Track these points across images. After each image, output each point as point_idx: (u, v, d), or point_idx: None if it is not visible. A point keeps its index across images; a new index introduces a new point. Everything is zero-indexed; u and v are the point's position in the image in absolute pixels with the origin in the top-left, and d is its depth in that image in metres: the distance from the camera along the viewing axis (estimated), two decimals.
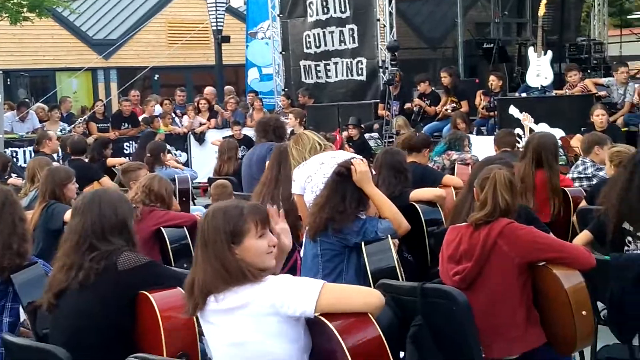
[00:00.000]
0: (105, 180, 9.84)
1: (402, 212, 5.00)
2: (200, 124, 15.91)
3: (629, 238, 4.75)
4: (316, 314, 3.00)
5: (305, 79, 16.43)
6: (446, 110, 13.08)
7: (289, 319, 3.02)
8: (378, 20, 14.93)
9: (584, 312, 4.03)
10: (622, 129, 11.19)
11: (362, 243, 4.62)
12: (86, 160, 10.84)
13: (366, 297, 3.12)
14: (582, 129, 10.60)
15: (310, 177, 5.32)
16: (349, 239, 4.68)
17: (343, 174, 4.77)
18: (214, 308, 3.09)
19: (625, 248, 4.77)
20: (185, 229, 6.12)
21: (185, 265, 5.87)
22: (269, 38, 18.22)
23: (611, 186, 5.17)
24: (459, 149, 8.66)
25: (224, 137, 14.08)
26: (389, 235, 4.66)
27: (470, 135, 10.91)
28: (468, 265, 4.21)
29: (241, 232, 3.14)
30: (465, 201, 4.81)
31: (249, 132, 14.70)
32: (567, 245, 4.35)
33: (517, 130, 10.99)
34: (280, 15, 17.20)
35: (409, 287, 4.21)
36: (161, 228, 6.04)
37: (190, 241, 6.02)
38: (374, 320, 3.02)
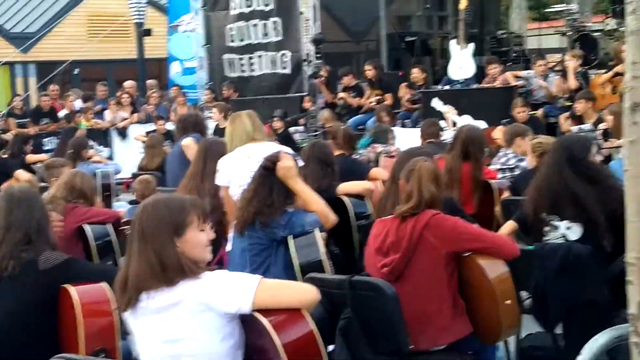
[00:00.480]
0: (20, 173, 9.55)
1: (330, 205, 4.99)
2: (123, 119, 15.65)
3: (546, 228, 4.83)
4: (252, 311, 2.98)
5: (229, 72, 16.29)
6: (371, 103, 13.13)
7: (224, 316, 3.00)
8: (302, 13, 14.88)
9: (508, 302, 4.10)
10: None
11: (290, 237, 4.59)
12: (5, 156, 10.56)
13: (302, 293, 3.14)
14: (503, 120, 10.79)
15: (236, 171, 5.29)
16: (276, 232, 4.65)
17: (269, 167, 4.74)
18: (148, 305, 3.04)
19: (544, 238, 4.85)
20: (109, 225, 6.00)
21: (109, 263, 5.79)
22: (191, 31, 18.03)
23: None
24: (384, 142, 8.72)
25: (147, 132, 13.91)
26: (316, 229, 4.64)
27: (394, 128, 11.00)
28: (395, 257, 4.23)
29: (184, 224, 3.11)
30: (389, 193, 4.80)
31: (173, 126, 14.55)
32: (491, 235, 4.42)
33: (441, 123, 11.10)
34: (203, 8, 17.01)
35: (337, 280, 4.22)
36: (84, 225, 5.91)
37: (114, 238, 5.92)
38: (307, 316, 3.02)
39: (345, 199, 5.92)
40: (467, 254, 4.18)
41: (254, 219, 4.67)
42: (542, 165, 5.14)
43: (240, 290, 2.99)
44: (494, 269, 4.12)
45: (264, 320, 2.93)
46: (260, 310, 2.97)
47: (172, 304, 2.99)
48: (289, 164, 4.70)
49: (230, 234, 4.98)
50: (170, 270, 3.01)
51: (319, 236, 4.60)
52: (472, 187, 6.56)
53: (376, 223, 4.51)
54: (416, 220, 4.22)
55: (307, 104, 14.18)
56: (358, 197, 6.07)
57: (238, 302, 2.98)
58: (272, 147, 5.44)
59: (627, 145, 1.97)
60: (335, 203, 5.70)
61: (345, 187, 6.06)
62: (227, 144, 5.63)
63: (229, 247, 5.02)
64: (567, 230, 4.76)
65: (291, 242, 4.56)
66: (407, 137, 10.45)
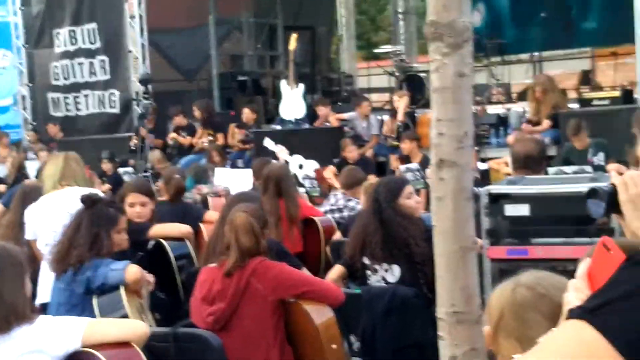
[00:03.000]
0: None
1: (142, 248, 4.87)
2: None
3: (368, 271, 4.91)
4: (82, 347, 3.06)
5: (54, 111, 15.75)
6: (202, 143, 13.01)
7: (56, 358, 3.02)
8: (130, 51, 14.63)
9: (334, 346, 4.17)
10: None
11: (94, 297, 4.38)
12: None
13: (131, 329, 3.25)
14: (334, 160, 10.95)
15: (41, 224, 5.12)
16: (83, 281, 4.45)
17: (87, 203, 4.56)
18: None
19: (368, 281, 4.92)
20: None
21: None
22: (3, 68, 17.39)
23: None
24: (206, 181, 8.63)
25: None
26: (122, 287, 4.45)
27: (223, 167, 10.93)
28: (222, 306, 4.18)
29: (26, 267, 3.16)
30: (218, 237, 4.72)
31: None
32: (317, 281, 4.47)
33: (273, 162, 11.13)
34: (26, 45, 16.40)
35: (161, 333, 4.08)
36: None
37: None
38: (138, 350, 3.11)
39: (164, 242, 5.75)
40: (293, 300, 4.19)
41: (69, 260, 4.47)
42: (362, 210, 5.24)
43: (69, 332, 3.05)
44: (320, 315, 4.17)
45: (98, 354, 3.02)
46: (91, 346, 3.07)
47: (10, 348, 2.97)
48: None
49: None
50: (20, 314, 3.01)
51: (124, 293, 4.41)
52: (291, 224, 6.55)
53: (203, 271, 4.42)
54: (242, 268, 4.17)
55: (135, 143, 13.81)
56: (177, 238, 5.91)
57: (67, 344, 3.03)
58: (77, 193, 5.20)
59: (434, 201, 1.98)
60: (156, 246, 5.63)
61: (161, 230, 5.87)
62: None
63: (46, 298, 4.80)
64: (385, 273, 4.85)
65: (95, 301, 4.37)
66: (239, 178, 10.38)
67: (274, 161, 7.47)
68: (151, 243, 5.69)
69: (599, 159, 9.07)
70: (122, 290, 4.41)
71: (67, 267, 4.48)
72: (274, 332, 4.15)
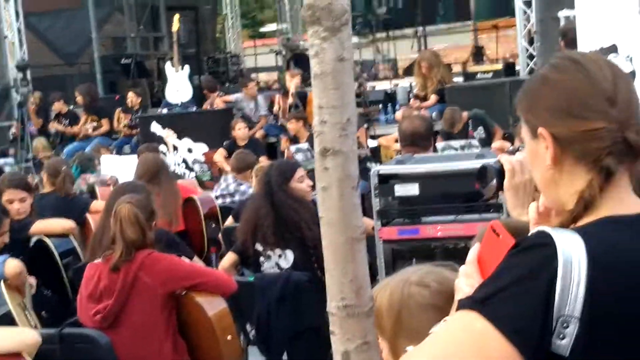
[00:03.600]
0: None
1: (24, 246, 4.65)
2: None
3: (261, 258, 4.84)
4: None
5: None
6: (87, 130, 12.63)
7: None
8: (6, 37, 14.05)
9: (229, 337, 4.10)
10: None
11: None
12: None
13: (20, 338, 3.19)
14: (224, 142, 10.80)
15: None
16: None
17: None
18: None
19: (262, 268, 4.85)
20: None
21: None
22: None
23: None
24: (92, 170, 8.38)
25: None
26: (1, 282, 4.28)
27: (112, 155, 10.66)
28: (109, 302, 4.03)
29: None
30: (104, 228, 4.56)
31: None
32: (207, 271, 4.42)
33: (162, 147, 10.91)
34: None
35: (46, 335, 3.91)
36: None
37: None
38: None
39: (46, 239, 5.52)
40: (184, 292, 4.08)
41: None
42: (252, 195, 5.16)
43: None
44: (212, 306, 4.10)
45: None
46: None
47: None
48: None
49: None
50: None
51: (4, 287, 4.24)
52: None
53: (88, 267, 4.25)
54: (130, 262, 4.02)
55: (15, 132, 13.31)
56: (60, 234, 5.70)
57: None
58: None
59: (320, 191, 1.89)
60: (37, 244, 5.44)
61: (42, 227, 5.63)
62: None
63: None
64: (279, 259, 4.80)
65: None
66: (126, 165, 10.12)
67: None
68: (33, 240, 5.46)
69: (479, 133, 9.24)
70: (2, 285, 4.25)
71: None
72: (165, 326, 4.04)
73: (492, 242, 1.59)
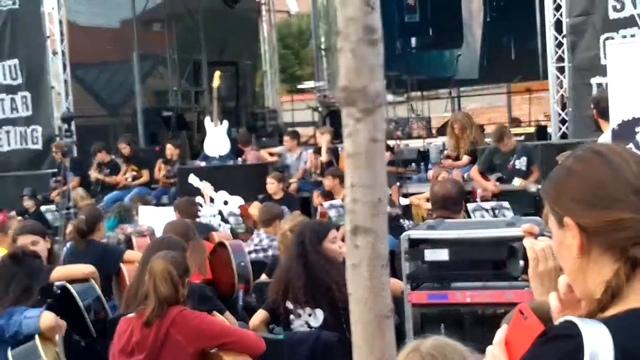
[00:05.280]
0: None
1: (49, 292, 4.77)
2: None
3: (291, 316, 4.89)
4: None
5: None
6: (126, 179, 12.85)
7: None
8: (52, 87, 14.40)
9: None
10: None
11: (8, 349, 4.30)
12: None
13: None
14: (259, 196, 10.94)
15: None
16: None
17: (17, 257, 4.53)
18: None
19: (292, 326, 4.90)
20: None
21: None
22: None
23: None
24: (130, 221, 8.52)
25: None
26: (37, 336, 4.37)
27: (151, 207, 10.81)
28: (140, 358, 4.10)
29: None
30: (140, 282, 4.66)
31: None
32: (237, 331, 4.43)
33: (198, 199, 11.06)
34: None
35: None
36: None
37: None
38: None
39: (68, 286, 5.61)
40: (213, 351, 4.13)
41: None
42: (282, 252, 5.21)
43: None
44: None
45: None
46: None
47: None
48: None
49: None
50: None
51: (40, 343, 4.33)
52: None
53: (121, 321, 4.34)
54: (162, 318, 4.10)
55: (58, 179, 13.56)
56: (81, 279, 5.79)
57: None
58: None
59: (349, 269, 1.98)
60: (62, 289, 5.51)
61: (62, 272, 5.69)
62: None
63: None
64: (309, 317, 4.84)
65: (9, 353, 4.27)
66: (163, 215, 10.28)
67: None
68: (57, 286, 5.57)
69: (521, 162, 9.42)
70: (37, 340, 4.32)
71: None
72: None
73: (519, 325, 1.61)
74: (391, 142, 12.05)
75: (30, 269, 4.69)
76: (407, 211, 9.82)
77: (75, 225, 7.01)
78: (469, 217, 8.03)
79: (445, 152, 11.42)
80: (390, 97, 14.75)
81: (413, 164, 11.88)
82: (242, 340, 4.22)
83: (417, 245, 4.42)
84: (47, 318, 4.47)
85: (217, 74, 13.10)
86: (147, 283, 4.18)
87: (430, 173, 10.24)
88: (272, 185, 10.80)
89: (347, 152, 2.07)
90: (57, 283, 5.55)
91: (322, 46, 18.34)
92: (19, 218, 10.64)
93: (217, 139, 12.54)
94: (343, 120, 2.10)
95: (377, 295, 1.96)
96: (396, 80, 13.72)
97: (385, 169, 2.10)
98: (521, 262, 2.06)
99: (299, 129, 17.10)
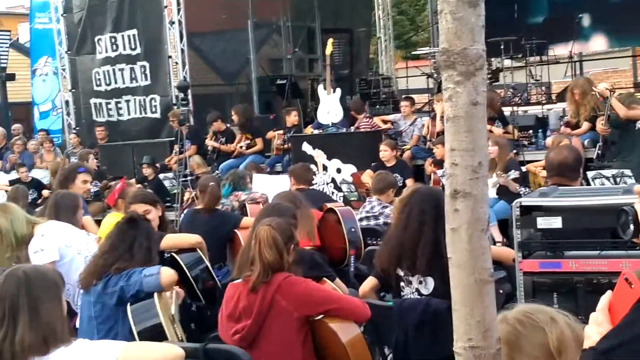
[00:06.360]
0: None
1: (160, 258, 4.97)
2: None
3: (402, 283, 4.84)
4: None
5: (97, 117, 15.94)
6: (241, 147, 13.05)
7: None
8: (170, 57, 14.72)
9: None
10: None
11: (128, 304, 4.44)
12: None
13: (164, 352, 3.23)
14: (372, 164, 10.93)
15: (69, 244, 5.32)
16: (110, 297, 4.52)
17: (134, 221, 4.68)
18: None
19: (402, 293, 4.86)
20: None
21: None
22: (46, 75, 17.63)
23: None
24: (244, 188, 8.65)
25: (10, 181, 13.40)
26: (155, 295, 4.49)
27: (265, 174, 10.97)
28: (247, 323, 4.15)
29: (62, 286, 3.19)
30: (250, 248, 4.73)
31: (39, 173, 14.09)
32: (343, 298, 4.40)
33: (311, 167, 11.15)
34: (68, 52, 16.63)
35: (191, 348, 4.09)
36: None
37: None
38: None
39: (176, 256, 5.70)
40: (318, 318, 4.15)
41: (103, 272, 4.52)
42: (396, 219, 5.11)
43: (104, 356, 3.01)
44: (346, 332, 4.13)
45: None
46: None
47: None
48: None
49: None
50: (59, 336, 3.00)
51: (158, 300, 4.45)
52: None
53: (229, 287, 4.41)
54: (267, 284, 4.14)
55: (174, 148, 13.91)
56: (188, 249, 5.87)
57: None
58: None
59: (449, 233, 1.95)
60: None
61: (170, 242, 5.81)
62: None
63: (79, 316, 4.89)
64: (419, 285, 4.78)
65: (128, 309, 4.41)
66: (277, 183, 10.41)
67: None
68: (166, 254, 5.71)
69: None
70: (156, 298, 4.44)
71: (96, 280, 4.55)
72: (301, 349, 4.12)
73: (624, 291, 1.60)
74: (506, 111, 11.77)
75: (147, 232, 4.81)
76: (524, 179, 9.60)
77: (210, 192, 7.17)
78: (589, 185, 7.80)
79: (565, 118, 11.08)
80: (507, 63, 14.42)
81: (530, 131, 11.57)
82: (347, 307, 4.22)
83: (529, 212, 4.31)
84: (168, 273, 4.56)
85: (330, 41, 13.10)
86: (253, 249, 4.22)
87: (549, 140, 9.95)
88: (385, 152, 10.77)
89: (447, 116, 2.02)
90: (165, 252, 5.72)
91: (438, 11, 18.03)
92: (138, 186, 10.99)
93: (330, 107, 12.56)
94: (443, 83, 2.05)
95: (477, 259, 1.93)
96: (514, 45, 13.35)
97: (485, 132, 2.04)
98: (631, 227, 1.98)
99: (414, 96, 16.98)
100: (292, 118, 13.02)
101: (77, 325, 4.82)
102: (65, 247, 5.49)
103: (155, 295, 4.46)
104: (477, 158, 1.95)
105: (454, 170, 1.96)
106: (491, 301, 1.93)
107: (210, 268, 5.73)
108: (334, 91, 12.60)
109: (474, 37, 1.96)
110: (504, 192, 8.80)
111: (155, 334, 4.30)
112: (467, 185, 1.95)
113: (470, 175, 1.95)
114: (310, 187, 8.64)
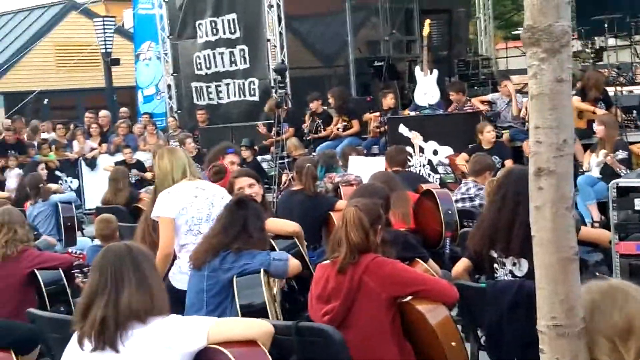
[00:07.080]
0: None
1: None
2: (91, 149, 15.56)
3: (495, 264, 4.78)
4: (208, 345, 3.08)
5: (198, 100, 16.26)
6: (337, 129, 13.09)
7: (183, 355, 3.06)
8: (268, 40, 14.86)
9: (453, 344, 4.10)
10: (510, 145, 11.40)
11: (234, 276, 4.54)
12: None
13: (255, 327, 3.25)
14: (469, 146, 10.79)
15: (184, 209, 5.30)
16: (226, 272, 4.61)
17: (243, 202, 4.78)
18: (121, 342, 3.04)
19: (495, 275, 4.80)
20: (60, 270, 5.90)
21: (62, 309, 5.69)
22: (149, 59, 18.05)
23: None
24: (336, 168, 8.69)
25: (115, 163, 13.82)
26: (262, 270, 4.58)
27: (361, 156, 10.99)
28: (336, 304, 4.17)
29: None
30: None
31: (142, 155, 14.47)
32: (430, 280, 4.37)
33: (408, 149, 11.11)
34: (170, 36, 17.01)
35: (283, 326, 4.15)
36: (35, 271, 5.80)
37: (66, 283, 5.84)
38: (264, 348, 3.11)
39: (272, 242, 5.75)
40: (406, 299, 4.14)
41: (220, 249, 4.63)
42: (490, 201, 5.05)
43: (197, 330, 3.09)
44: (435, 314, 4.11)
45: (225, 351, 3.02)
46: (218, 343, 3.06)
47: (142, 342, 3.04)
48: None
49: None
50: (156, 306, 3.10)
51: (264, 278, 4.53)
52: None
53: (318, 268, 4.44)
54: (355, 265, 4.16)
55: (262, 130, 14.04)
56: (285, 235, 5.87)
57: (194, 342, 3.06)
58: (212, 187, 5.51)
59: (533, 211, 1.94)
60: None
61: (271, 226, 5.72)
62: (162, 176, 5.57)
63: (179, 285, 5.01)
64: (513, 267, 4.72)
65: (234, 281, 4.51)
66: (372, 165, 10.42)
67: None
68: None
69: None
70: (262, 274, 4.54)
71: (212, 257, 4.65)
72: (390, 329, 4.12)
73: None
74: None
75: (257, 212, 4.88)
76: (628, 160, 9.33)
77: (306, 174, 7.26)
78: None
79: None
80: (612, 41, 14.00)
81: (634, 112, 11.22)
82: (434, 289, 4.19)
83: (626, 193, 4.21)
84: (295, 263, 4.76)
85: (427, 22, 12.99)
86: (340, 230, 4.23)
87: None
88: (489, 134, 10.58)
89: (531, 94, 2.00)
90: None
91: None
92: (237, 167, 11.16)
93: (427, 88, 12.46)
94: (527, 61, 2.03)
95: (561, 238, 1.91)
96: (618, 23, 12.94)
97: (571, 110, 2.01)
98: None
99: (514, 77, 16.67)
100: (389, 100, 12.95)
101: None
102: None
103: (262, 271, 4.56)
104: (561, 136, 1.93)
105: (538, 148, 1.94)
106: (575, 280, 1.91)
107: (306, 256, 5.74)
108: (431, 72, 12.49)
109: (560, 13, 1.93)
110: (609, 173, 8.56)
111: (256, 310, 4.42)
112: (552, 163, 1.93)
113: (554, 153, 1.93)
114: (406, 169, 8.62)
